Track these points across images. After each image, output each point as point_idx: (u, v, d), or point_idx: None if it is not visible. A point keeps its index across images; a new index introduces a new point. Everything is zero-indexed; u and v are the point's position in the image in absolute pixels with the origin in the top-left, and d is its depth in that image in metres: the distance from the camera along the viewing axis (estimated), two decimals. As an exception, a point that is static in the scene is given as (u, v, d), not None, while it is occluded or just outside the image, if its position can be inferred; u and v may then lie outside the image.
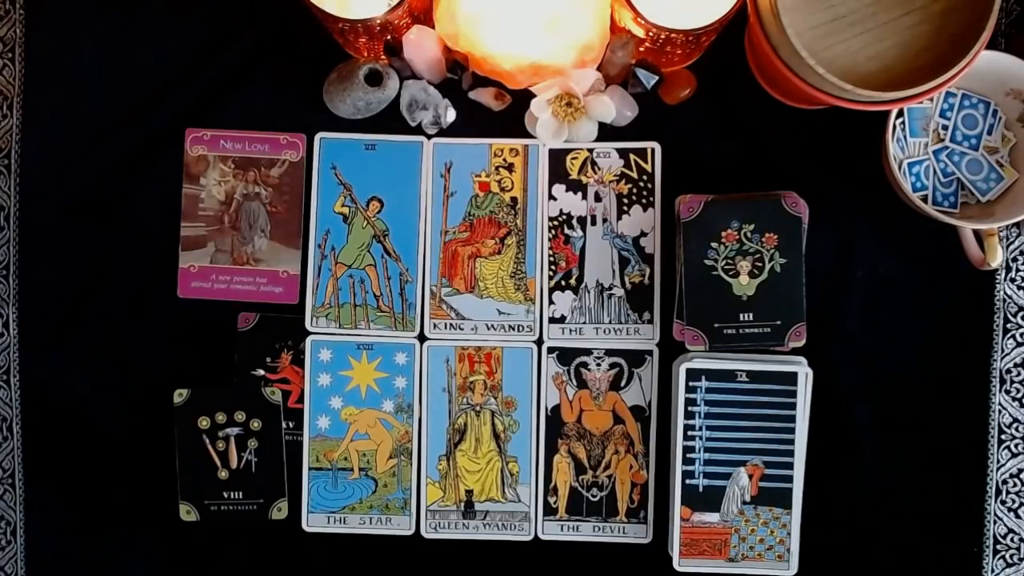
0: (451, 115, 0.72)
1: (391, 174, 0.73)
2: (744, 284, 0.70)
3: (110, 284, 0.74)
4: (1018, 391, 0.73)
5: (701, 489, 0.70)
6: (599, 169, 0.73)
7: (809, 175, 0.72)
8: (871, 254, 0.73)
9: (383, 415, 0.73)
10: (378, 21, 0.64)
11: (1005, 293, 0.73)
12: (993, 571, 0.73)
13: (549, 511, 0.73)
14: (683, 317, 0.70)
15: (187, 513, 0.72)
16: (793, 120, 0.72)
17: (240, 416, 0.72)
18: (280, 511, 0.73)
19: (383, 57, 0.71)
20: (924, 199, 0.71)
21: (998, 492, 0.73)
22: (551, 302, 0.73)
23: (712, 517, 0.70)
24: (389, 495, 0.73)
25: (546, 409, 0.73)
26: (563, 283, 0.73)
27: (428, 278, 0.73)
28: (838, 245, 0.73)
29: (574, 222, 0.73)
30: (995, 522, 0.73)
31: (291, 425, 0.73)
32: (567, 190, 0.73)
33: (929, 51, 0.63)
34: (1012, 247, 0.74)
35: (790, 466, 0.70)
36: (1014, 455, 0.73)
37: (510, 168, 0.73)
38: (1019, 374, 0.73)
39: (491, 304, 0.73)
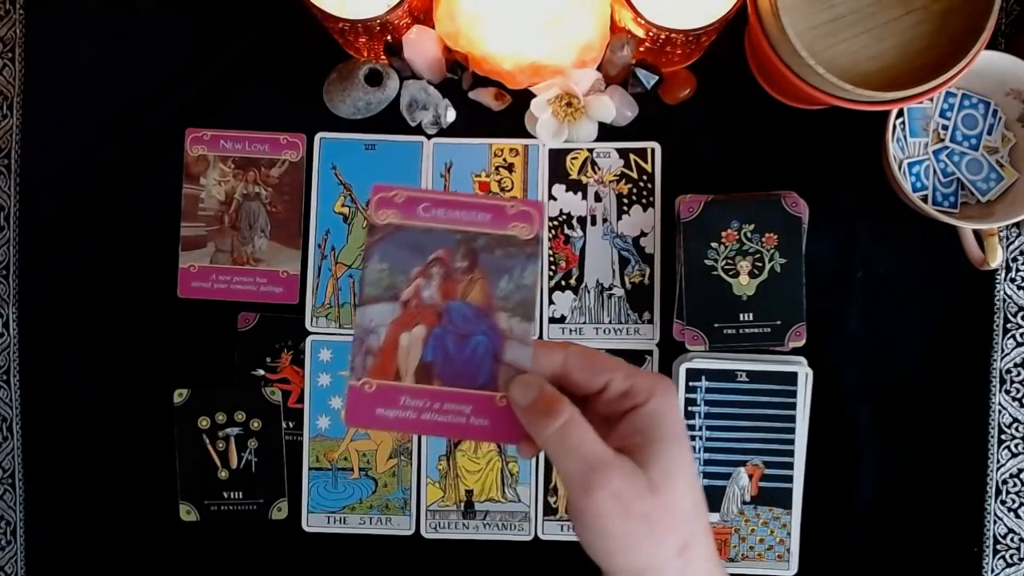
0: (451, 115, 0.72)
1: (391, 174, 0.73)
2: (744, 284, 0.70)
3: (110, 284, 0.74)
4: (1018, 391, 0.73)
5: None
6: (599, 169, 0.73)
7: (809, 175, 0.72)
8: (871, 254, 0.73)
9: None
10: (378, 21, 0.64)
11: (1005, 293, 0.73)
12: (993, 571, 0.73)
13: (549, 511, 0.73)
14: (683, 317, 0.70)
15: (187, 513, 0.73)
16: (793, 120, 0.72)
17: (240, 416, 0.72)
18: (280, 511, 0.73)
19: (383, 57, 0.71)
20: (924, 199, 0.71)
21: (998, 492, 0.73)
22: (551, 302, 0.73)
23: (712, 517, 0.70)
24: (389, 495, 0.73)
25: (546, 409, 0.73)
26: (563, 283, 0.73)
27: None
28: (838, 245, 0.73)
29: (574, 222, 0.73)
30: (995, 522, 0.73)
31: (291, 425, 0.73)
32: (567, 190, 0.73)
33: (929, 51, 0.63)
34: (1012, 247, 0.74)
35: (790, 466, 0.70)
36: (1014, 455, 0.73)
37: (510, 168, 0.73)
38: (1019, 374, 0.73)
39: (491, 304, 0.73)
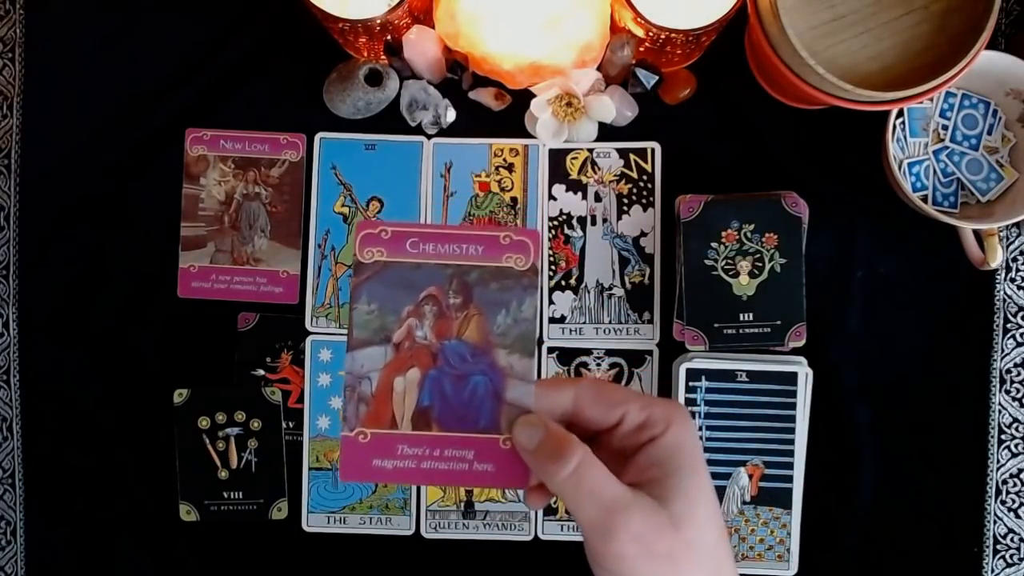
0: (451, 115, 0.72)
1: (391, 174, 0.73)
2: (744, 284, 0.70)
3: (110, 284, 0.74)
4: (1018, 391, 0.73)
5: (701, 489, 0.70)
6: (599, 169, 0.73)
7: (809, 175, 0.72)
8: (871, 254, 0.73)
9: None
10: (378, 21, 0.64)
11: (1005, 293, 0.73)
12: (993, 571, 0.73)
13: (549, 511, 0.73)
14: (683, 317, 0.70)
15: (187, 513, 0.73)
16: (793, 120, 0.72)
17: (240, 416, 0.72)
18: (280, 511, 0.73)
19: (383, 57, 0.71)
20: (924, 199, 0.71)
21: (998, 492, 0.73)
22: (551, 302, 0.73)
23: (712, 517, 0.70)
24: (389, 495, 0.73)
25: (546, 409, 0.72)
26: (563, 283, 0.73)
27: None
28: (838, 245, 0.73)
29: (574, 222, 0.73)
30: (995, 522, 0.73)
31: (291, 425, 0.73)
32: (567, 190, 0.73)
33: (929, 51, 0.63)
34: (1012, 247, 0.74)
35: (790, 466, 0.70)
36: (1014, 455, 0.73)
37: (510, 168, 0.73)
38: (1019, 374, 0.73)
39: (491, 304, 0.73)
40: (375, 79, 0.70)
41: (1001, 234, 0.71)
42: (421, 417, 0.45)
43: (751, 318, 0.70)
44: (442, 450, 0.45)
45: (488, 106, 0.72)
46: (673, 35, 0.63)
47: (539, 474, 0.44)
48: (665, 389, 0.72)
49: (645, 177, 0.73)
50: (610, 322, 0.73)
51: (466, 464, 0.45)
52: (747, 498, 0.70)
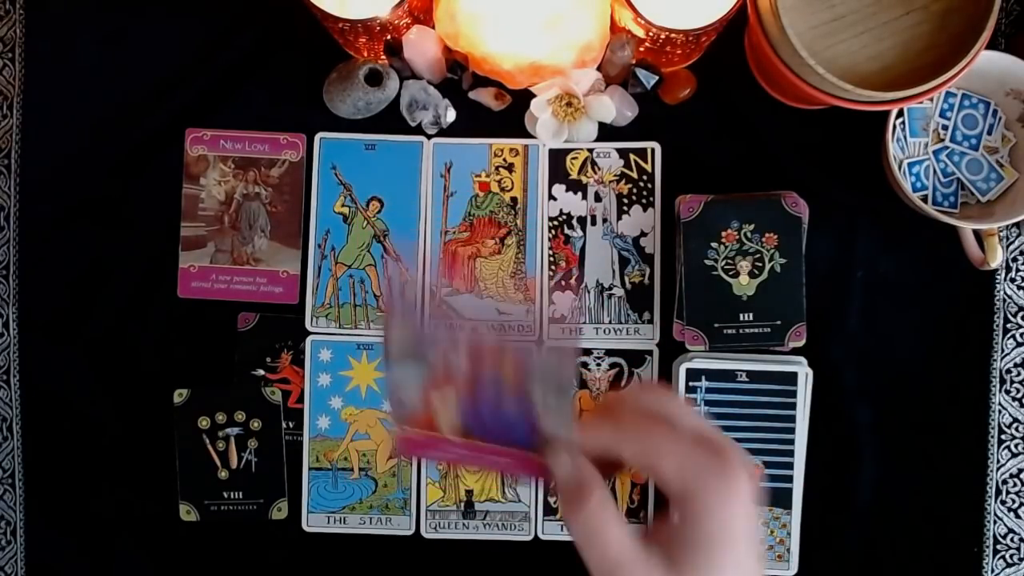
0: (451, 115, 0.72)
1: (391, 174, 0.73)
2: (744, 284, 0.70)
3: (110, 284, 0.74)
4: (1018, 391, 0.73)
5: (701, 489, 0.70)
6: (599, 169, 0.73)
7: (809, 175, 0.72)
8: (871, 254, 0.73)
9: (383, 415, 0.73)
10: (378, 21, 0.64)
11: (1005, 293, 0.73)
12: (993, 571, 0.73)
13: (549, 511, 0.73)
14: (683, 317, 0.70)
15: (187, 513, 0.73)
16: (793, 120, 0.72)
17: (240, 416, 0.72)
18: (280, 511, 0.73)
19: (383, 57, 0.71)
20: (924, 199, 0.71)
21: (998, 492, 0.73)
22: (551, 302, 0.73)
23: (712, 517, 0.70)
24: (389, 495, 0.73)
25: (546, 409, 0.72)
26: (563, 283, 0.73)
27: (428, 278, 0.73)
28: (838, 245, 0.73)
29: (574, 222, 0.73)
30: (995, 522, 0.73)
31: (291, 425, 0.73)
32: (567, 190, 0.73)
33: (929, 51, 0.63)
34: (1012, 247, 0.74)
35: (790, 466, 0.70)
36: (1014, 455, 0.73)
37: (510, 168, 0.73)
38: (1019, 374, 0.73)
39: (491, 304, 0.73)
40: (375, 79, 0.70)
41: (1001, 234, 0.71)
42: (458, 431, 0.47)
43: (751, 318, 0.70)
44: (480, 455, 0.47)
45: (488, 106, 0.72)
46: (673, 35, 0.63)
47: (561, 504, 0.45)
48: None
49: (645, 177, 0.73)
50: (610, 322, 0.73)
51: (503, 464, 0.47)
52: (747, 498, 0.70)
